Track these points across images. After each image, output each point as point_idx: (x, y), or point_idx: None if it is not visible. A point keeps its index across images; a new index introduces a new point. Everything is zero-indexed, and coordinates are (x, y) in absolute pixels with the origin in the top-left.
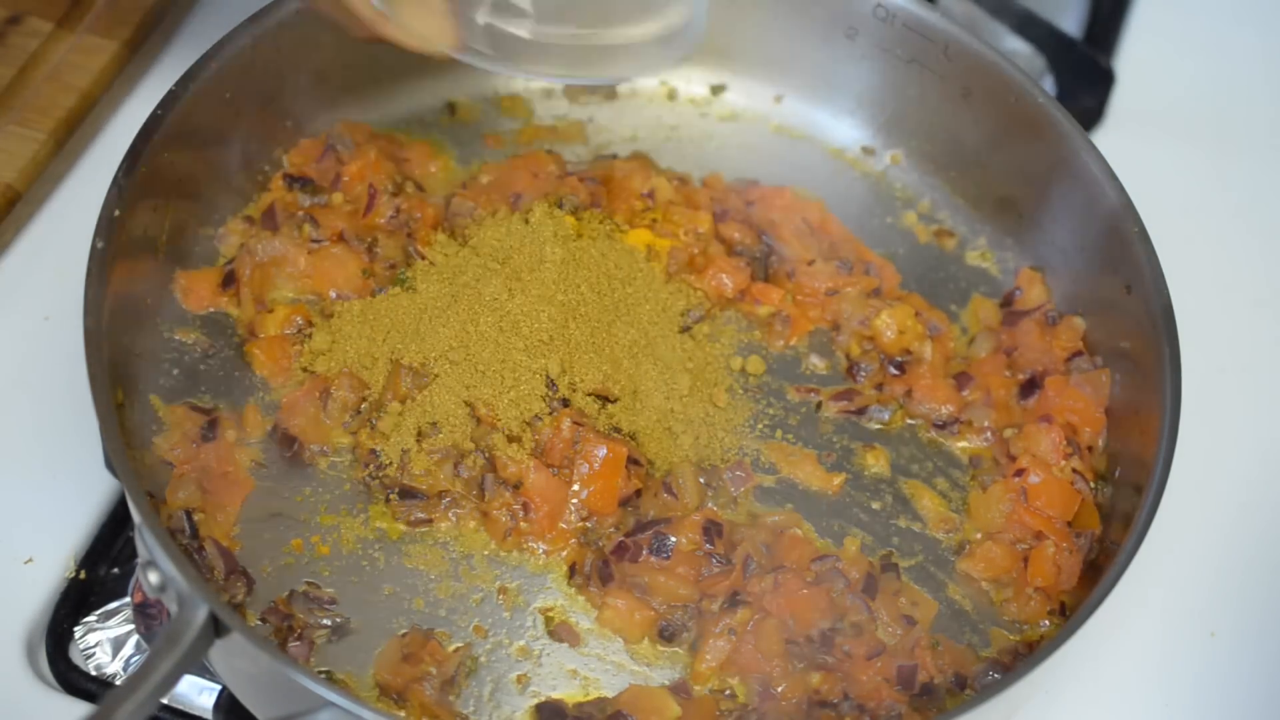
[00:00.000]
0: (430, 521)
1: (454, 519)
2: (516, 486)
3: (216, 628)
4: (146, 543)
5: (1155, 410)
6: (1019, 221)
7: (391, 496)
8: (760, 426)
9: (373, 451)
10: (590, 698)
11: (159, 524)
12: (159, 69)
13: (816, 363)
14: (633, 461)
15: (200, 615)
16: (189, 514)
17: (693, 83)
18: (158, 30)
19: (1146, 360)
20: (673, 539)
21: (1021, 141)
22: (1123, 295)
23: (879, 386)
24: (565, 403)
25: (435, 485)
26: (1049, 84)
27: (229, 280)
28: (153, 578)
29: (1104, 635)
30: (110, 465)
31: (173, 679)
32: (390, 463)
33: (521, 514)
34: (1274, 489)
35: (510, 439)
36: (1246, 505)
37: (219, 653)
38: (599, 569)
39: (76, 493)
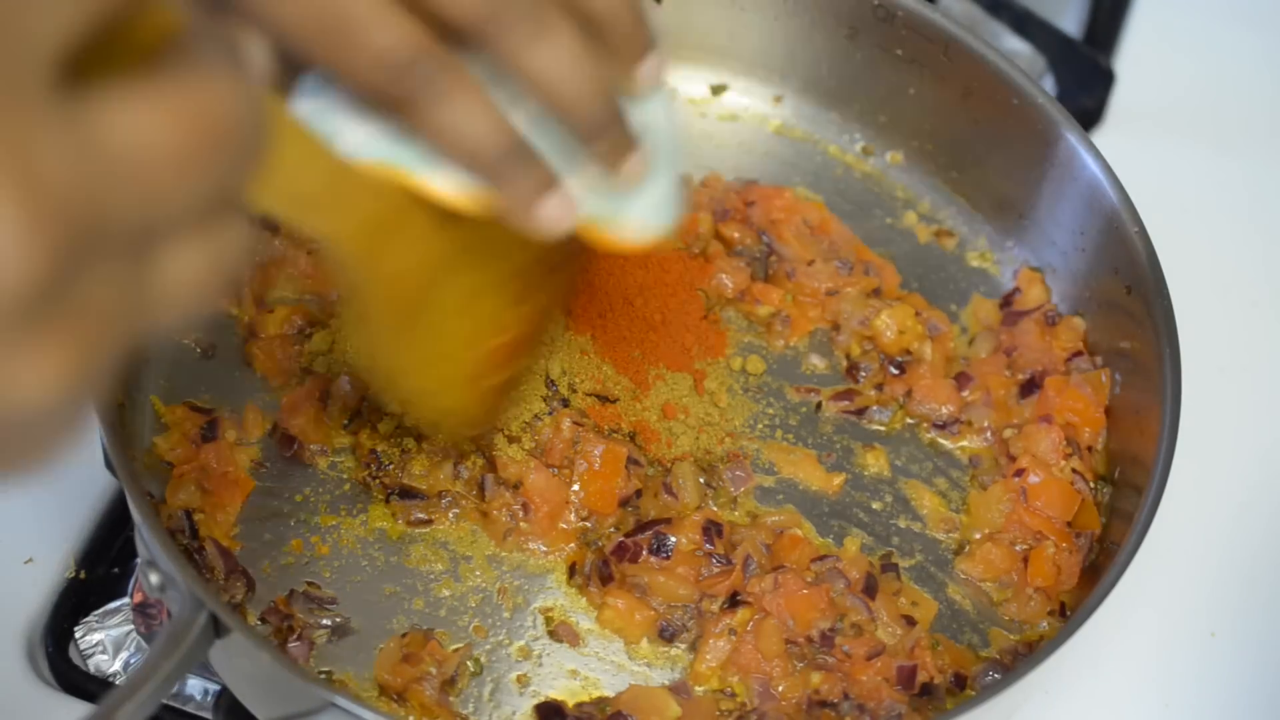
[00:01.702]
0: (430, 521)
1: (454, 519)
2: (516, 486)
3: (216, 628)
4: (146, 543)
5: (1155, 410)
6: (1019, 221)
7: (391, 496)
8: (760, 426)
9: (373, 451)
10: (590, 698)
11: (159, 524)
12: None
13: (816, 363)
14: (633, 461)
15: (200, 615)
16: (189, 514)
17: (692, 83)
18: None
19: (1146, 360)
20: (673, 539)
21: (1022, 141)
22: (1123, 295)
23: (879, 387)
24: (565, 403)
25: (435, 485)
26: (1049, 84)
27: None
28: (153, 578)
29: (1104, 635)
30: (110, 465)
31: (173, 679)
32: (390, 463)
33: (521, 514)
34: (1274, 489)
35: (510, 439)
36: (1246, 505)
37: (219, 653)
38: (599, 569)
39: (76, 493)
